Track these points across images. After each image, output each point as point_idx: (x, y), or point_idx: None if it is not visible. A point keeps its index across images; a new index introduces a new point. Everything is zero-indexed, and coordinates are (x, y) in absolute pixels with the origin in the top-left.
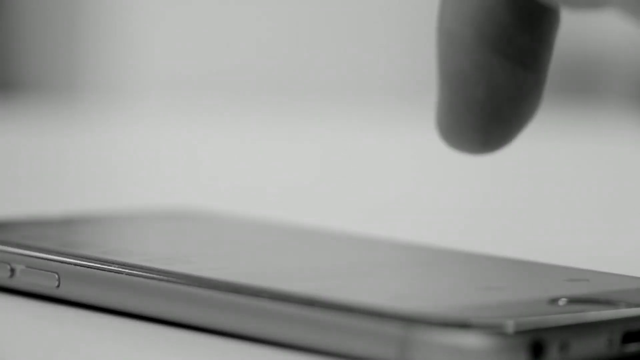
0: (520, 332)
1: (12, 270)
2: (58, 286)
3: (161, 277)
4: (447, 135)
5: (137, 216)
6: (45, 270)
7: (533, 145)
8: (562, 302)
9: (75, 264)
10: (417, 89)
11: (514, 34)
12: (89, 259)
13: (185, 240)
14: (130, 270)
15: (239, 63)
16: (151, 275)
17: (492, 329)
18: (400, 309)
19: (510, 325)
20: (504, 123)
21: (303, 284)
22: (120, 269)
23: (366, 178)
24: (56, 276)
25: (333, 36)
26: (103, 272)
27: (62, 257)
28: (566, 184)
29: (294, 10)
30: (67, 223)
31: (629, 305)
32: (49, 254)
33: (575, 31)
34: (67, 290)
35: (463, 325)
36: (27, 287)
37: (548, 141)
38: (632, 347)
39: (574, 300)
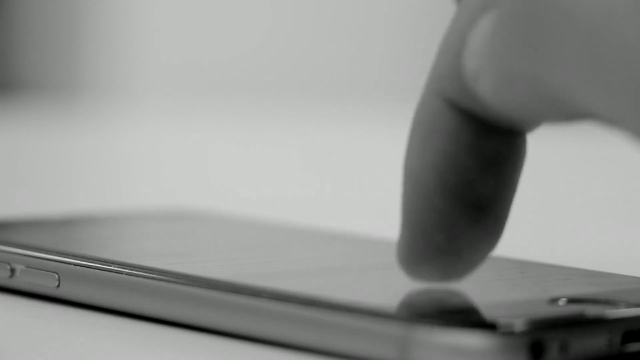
0: (520, 332)
1: (12, 270)
2: (58, 286)
3: (161, 277)
4: (408, 271)
5: (137, 216)
6: (45, 270)
7: (533, 146)
8: (562, 302)
9: (75, 264)
10: (419, 89)
11: (475, 180)
12: (89, 259)
13: (185, 240)
14: (130, 270)
15: (240, 64)
16: (151, 275)
17: (492, 329)
18: (401, 308)
19: (510, 325)
20: (462, 262)
21: (303, 283)
22: (120, 269)
23: (366, 178)
24: (56, 276)
25: (332, 36)
26: (103, 272)
27: (62, 257)
28: (566, 184)
29: (294, 10)
30: (67, 223)
31: (629, 305)
32: (49, 254)
33: None
34: (67, 290)
35: (463, 325)
36: (27, 287)
37: (548, 141)
38: (632, 347)
39: (574, 300)
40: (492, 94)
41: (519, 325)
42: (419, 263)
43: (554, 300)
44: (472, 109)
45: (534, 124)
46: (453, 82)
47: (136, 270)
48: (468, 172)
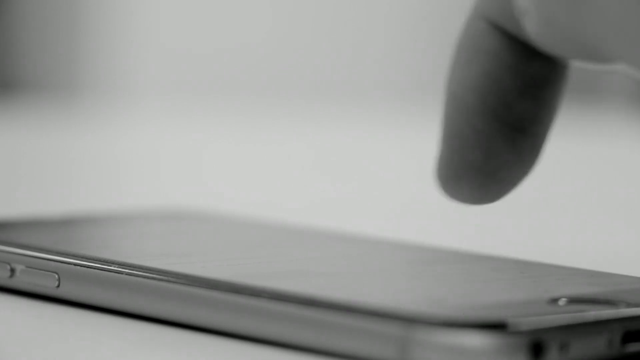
0: (520, 332)
1: (12, 270)
2: (58, 286)
3: (161, 277)
4: (444, 188)
5: (136, 216)
6: (45, 270)
7: None
8: (562, 302)
9: (75, 264)
10: (419, 89)
11: (515, 101)
12: (89, 259)
13: (185, 241)
14: (130, 270)
15: (240, 64)
16: (151, 275)
17: (492, 329)
18: (400, 309)
19: (510, 325)
20: (499, 183)
21: (303, 283)
22: (120, 269)
23: (366, 178)
24: (56, 276)
25: (333, 36)
26: (103, 272)
27: (62, 257)
28: (566, 184)
29: (295, 10)
30: (67, 223)
31: (629, 305)
32: (49, 254)
33: None
34: (67, 290)
35: (463, 325)
36: (27, 287)
37: (547, 141)
38: (632, 347)
39: (574, 300)
40: (535, 32)
41: (519, 325)
42: (455, 180)
43: (554, 300)
44: (517, 34)
45: (572, 60)
46: (501, 7)
47: (136, 270)
48: (509, 93)
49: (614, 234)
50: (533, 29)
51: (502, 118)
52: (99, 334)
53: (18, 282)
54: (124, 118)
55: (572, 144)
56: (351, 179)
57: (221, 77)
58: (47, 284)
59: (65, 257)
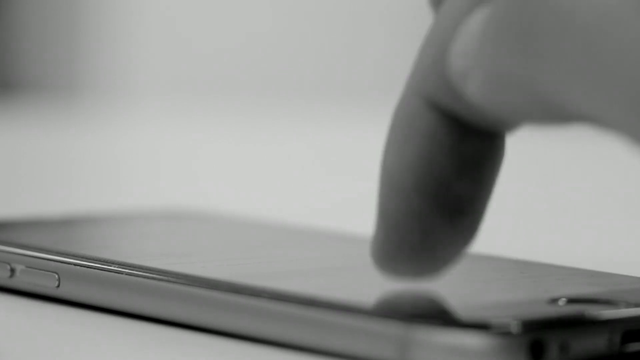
0: (520, 332)
1: (12, 270)
2: (58, 286)
3: (161, 277)
4: (380, 265)
5: (136, 216)
6: (45, 270)
7: (533, 146)
8: (562, 302)
9: (75, 264)
10: None
11: (454, 182)
12: (89, 259)
13: (185, 241)
14: (130, 270)
15: (240, 64)
16: (151, 275)
17: (492, 329)
18: (400, 309)
19: (510, 325)
20: (436, 260)
21: (303, 283)
22: (120, 269)
23: (366, 178)
24: (56, 276)
25: (333, 36)
26: (103, 272)
27: (62, 257)
28: (566, 183)
29: (294, 11)
30: (67, 223)
31: (629, 305)
32: (49, 254)
33: None
34: (67, 290)
35: (463, 325)
36: (27, 287)
37: (548, 141)
38: (632, 347)
39: (574, 300)
40: (480, 94)
41: (519, 325)
42: (392, 261)
43: (554, 300)
44: (453, 109)
45: (519, 124)
46: (436, 81)
47: (136, 270)
48: (446, 174)
49: (614, 234)
50: (476, 93)
51: (439, 198)
52: (99, 334)
53: (18, 282)
54: (124, 118)
55: (572, 144)
56: (351, 179)
57: (221, 77)
58: (47, 284)
59: (65, 257)
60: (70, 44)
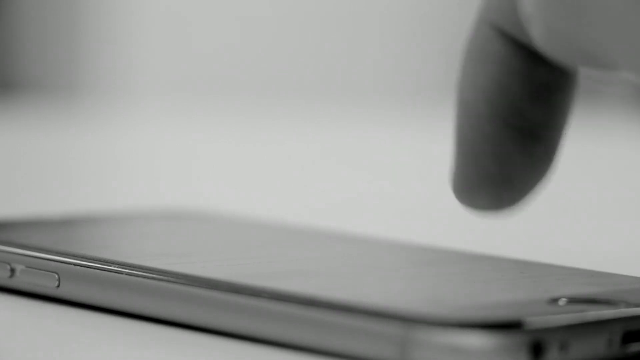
0: (520, 332)
1: (12, 270)
2: (58, 286)
3: (161, 277)
4: (460, 198)
5: (136, 216)
6: (45, 270)
7: None
8: (562, 302)
9: (75, 264)
10: (420, 90)
11: (526, 108)
12: (89, 259)
13: (185, 240)
14: (130, 270)
15: (240, 64)
16: (151, 275)
17: (492, 329)
18: (400, 309)
19: (510, 325)
20: (514, 190)
21: (303, 283)
22: (120, 269)
23: (366, 178)
24: (56, 276)
25: (333, 36)
26: (103, 272)
27: (62, 257)
28: (566, 184)
29: (294, 11)
30: (67, 223)
31: (629, 305)
32: (49, 254)
33: None
34: (67, 290)
35: (463, 325)
36: (27, 287)
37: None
38: (632, 347)
39: (574, 300)
40: (540, 38)
41: (519, 325)
42: (472, 191)
43: (554, 300)
44: (523, 40)
45: (576, 66)
46: (507, 14)
47: (136, 270)
48: (519, 99)
49: (614, 234)
50: (537, 35)
51: (513, 124)
52: (99, 334)
53: (18, 282)
54: (124, 118)
55: (572, 144)
56: (351, 179)
57: (221, 77)
58: (47, 284)
59: (65, 257)
60: (70, 44)
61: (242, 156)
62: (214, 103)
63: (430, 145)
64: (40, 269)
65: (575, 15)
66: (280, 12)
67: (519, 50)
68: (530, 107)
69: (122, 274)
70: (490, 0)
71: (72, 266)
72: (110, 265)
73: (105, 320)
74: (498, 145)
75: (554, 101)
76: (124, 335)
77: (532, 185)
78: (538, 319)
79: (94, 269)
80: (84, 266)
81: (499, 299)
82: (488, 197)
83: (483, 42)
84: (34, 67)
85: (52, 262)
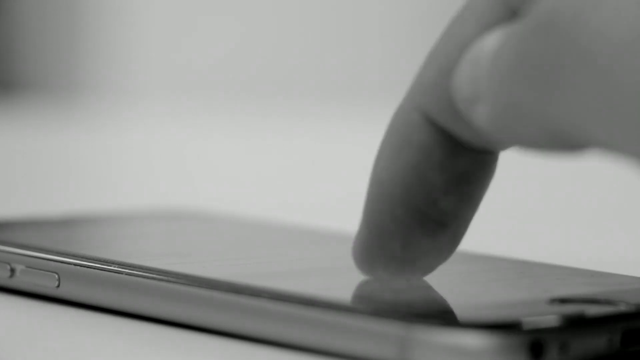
0: (520, 332)
1: (12, 270)
2: (58, 286)
3: (161, 277)
4: (360, 266)
5: (136, 216)
6: (45, 270)
7: None
8: (561, 302)
9: (75, 264)
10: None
11: (440, 197)
12: (89, 259)
13: (185, 241)
14: (130, 270)
15: (240, 64)
16: (151, 275)
17: (492, 329)
18: (400, 309)
19: (510, 325)
20: (414, 270)
21: (303, 283)
22: (120, 269)
23: (366, 178)
24: (56, 276)
25: (333, 37)
26: (103, 272)
27: (62, 257)
28: (566, 184)
29: (295, 12)
30: (67, 223)
31: (629, 305)
32: (49, 254)
33: None
34: (67, 290)
35: (463, 325)
36: (27, 287)
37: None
38: (632, 347)
39: (574, 300)
40: (489, 122)
41: (519, 325)
42: (371, 263)
43: (554, 300)
44: (450, 127)
45: (522, 148)
46: (436, 99)
47: (136, 270)
48: (434, 188)
49: (614, 234)
50: (484, 118)
51: (424, 212)
52: (99, 334)
53: (18, 282)
54: (124, 118)
55: None
56: (351, 178)
57: (221, 77)
58: (47, 284)
59: (65, 257)
60: (70, 44)
61: (242, 156)
62: (214, 103)
63: None
64: (40, 269)
65: (544, 92)
66: (280, 12)
67: (442, 139)
68: (445, 198)
69: (122, 274)
70: (421, 85)
71: (72, 266)
72: (110, 265)
73: (105, 320)
74: (406, 229)
75: (469, 192)
76: (124, 335)
77: (431, 267)
78: (538, 319)
79: (94, 269)
80: (84, 266)
81: (498, 299)
82: (388, 272)
83: (407, 127)
84: (34, 67)
85: (52, 262)
